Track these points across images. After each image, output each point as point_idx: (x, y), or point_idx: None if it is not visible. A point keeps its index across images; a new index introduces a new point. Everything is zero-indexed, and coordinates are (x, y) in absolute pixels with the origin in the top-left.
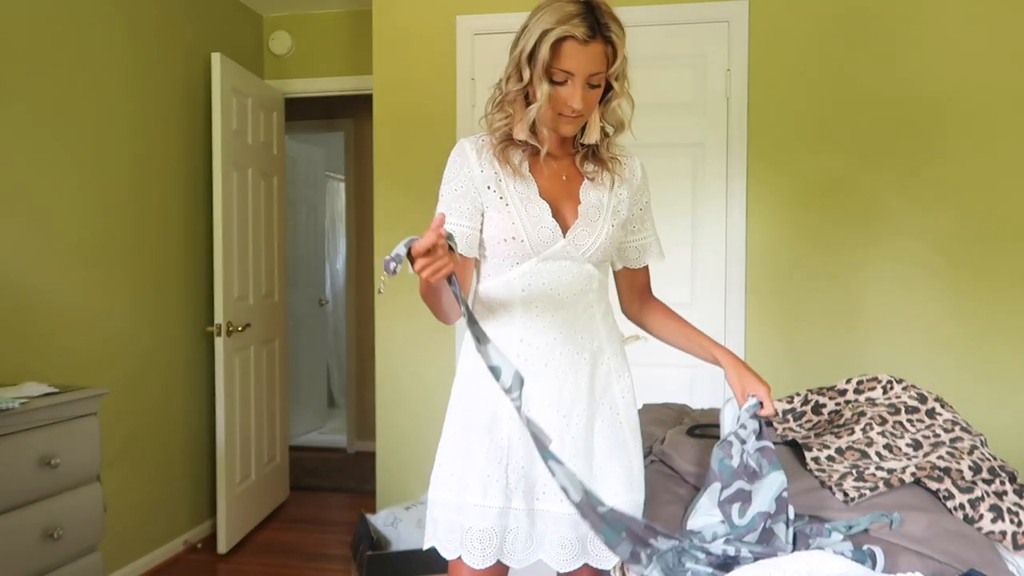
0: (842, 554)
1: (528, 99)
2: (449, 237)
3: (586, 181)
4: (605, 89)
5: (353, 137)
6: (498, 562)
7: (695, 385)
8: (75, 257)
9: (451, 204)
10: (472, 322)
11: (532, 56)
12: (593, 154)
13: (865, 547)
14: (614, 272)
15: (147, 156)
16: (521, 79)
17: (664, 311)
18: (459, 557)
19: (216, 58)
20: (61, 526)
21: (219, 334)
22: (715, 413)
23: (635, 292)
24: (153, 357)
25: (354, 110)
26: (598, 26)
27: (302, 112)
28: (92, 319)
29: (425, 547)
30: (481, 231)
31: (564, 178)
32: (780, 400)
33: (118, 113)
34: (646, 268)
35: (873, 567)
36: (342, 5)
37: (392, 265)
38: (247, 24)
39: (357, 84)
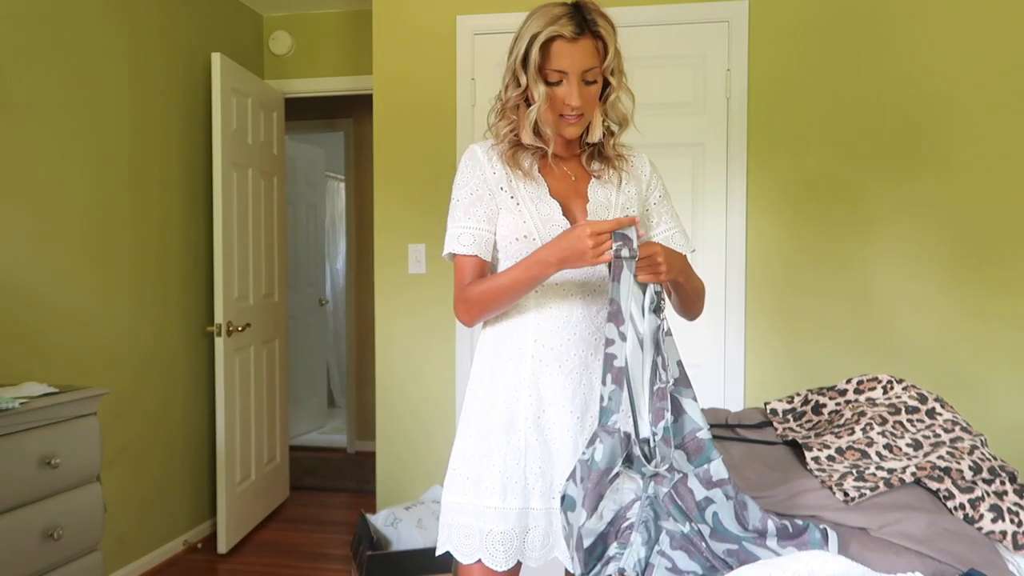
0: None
1: (529, 103)
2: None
3: (593, 180)
4: (604, 86)
5: (353, 137)
6: (516, 561)
7: (695, 384)
8: (75, 257)
9: (467, 208)
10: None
11: (525, 60)
12: (599, 153)
13: (822, 526)
14: None
15: (147, 156)
16: (519, 85)
17: None
18: (478, 560)
19: (216, 58)
20: (61, 526)
21: (219, 334)
22: (715, 413)
23: None
24: (153, 357)
25: (354, 110)
26: (585, 22)
27: (302, 112)
28: (92, 319)
29: (439, 552)
30: (495, 234)
31: (572, 178)
32: (780, 400)
33: (118, 113)
34: None
35: (825, 544)
36: (342, 5)
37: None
38: (247, 24)
39: (357, 84)
